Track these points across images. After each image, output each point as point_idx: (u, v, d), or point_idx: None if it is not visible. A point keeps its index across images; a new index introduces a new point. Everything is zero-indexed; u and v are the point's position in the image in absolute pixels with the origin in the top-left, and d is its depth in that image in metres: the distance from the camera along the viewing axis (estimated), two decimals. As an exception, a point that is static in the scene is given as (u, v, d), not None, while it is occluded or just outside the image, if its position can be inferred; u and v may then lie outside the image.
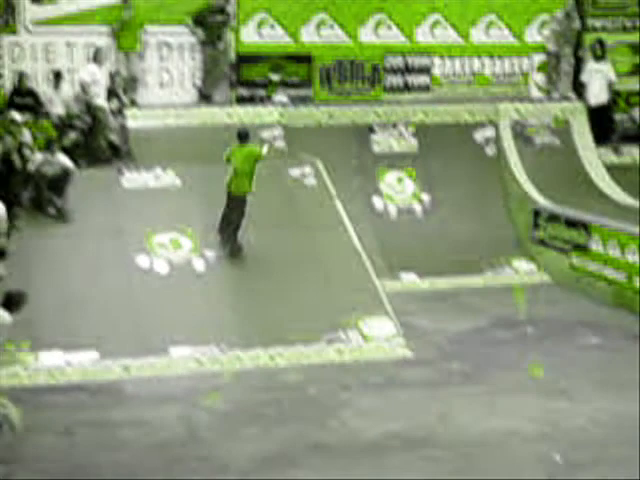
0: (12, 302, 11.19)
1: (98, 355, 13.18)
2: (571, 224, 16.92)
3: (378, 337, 14.09)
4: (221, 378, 13.04)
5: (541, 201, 17.96)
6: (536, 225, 17.79)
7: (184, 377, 13.08)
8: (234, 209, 14.97)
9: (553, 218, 17.41)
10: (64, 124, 16.36)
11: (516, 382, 12.64)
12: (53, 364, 13.04)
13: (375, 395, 12.38)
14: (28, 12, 17.77)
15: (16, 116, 15.40)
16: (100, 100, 16.56)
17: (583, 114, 19.46)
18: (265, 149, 15.46)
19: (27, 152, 15.10)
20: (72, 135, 16.18)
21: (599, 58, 19.73)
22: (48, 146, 15.18)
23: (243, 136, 15.27)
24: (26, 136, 15.38)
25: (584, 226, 16.60)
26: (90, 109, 16.43)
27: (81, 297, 13.87)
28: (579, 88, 19.82)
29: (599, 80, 19.46)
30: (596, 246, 16.27)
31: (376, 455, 10.61)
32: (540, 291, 16.77)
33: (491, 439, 10.94)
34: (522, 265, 17.67)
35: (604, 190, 18.56)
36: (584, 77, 19.63)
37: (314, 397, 12.39)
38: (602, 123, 19.37)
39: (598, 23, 20.34)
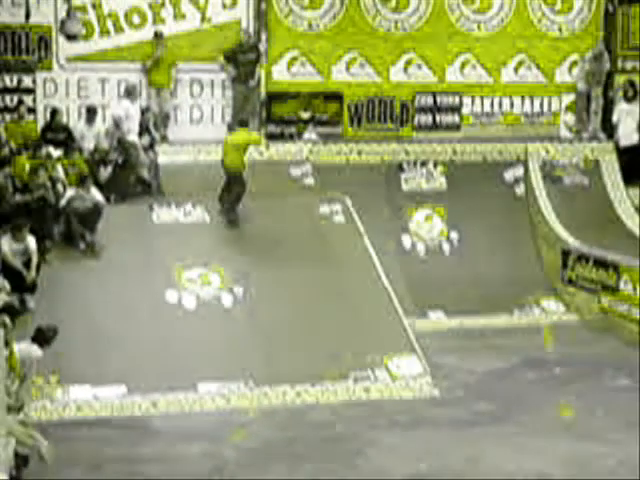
0: (43, 337, 11.26)
1: (126, 390, 13.20)
2: (600, 264, 16.86)
3: (406, 376, 14.04)
4: (248, 415, 13.02)
5: (570, 241, 17.91)
6: (565, 265, 17.72)
7: (211, 413, 13.09)
8: (233, 184, 16.08)
9: (582, 258, 17.35)
10: (97, 159, 16.48)
11: (545, 423, 12.56)
12: (81, 398, 13.06)
13: (403, 434, 12.33)
14: (62, 49, 17.95)
15: (52, 151, 15.56)
16: (133, 136, 16.68)
17: (613, 154, 19.42)
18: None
19: (60, 187, 15.23)
20: (107, 170, 16.31)
21: (630, 99, 19.70)
22: (80, 181, 15.28)
23: (244, 123, 16.72)
24: (59, 171, 15.53)
25: (613, 266, 16.53)
26: (122, 145, 16.55)
27: (110, 331, 13.91)
28: (609, 128, 19.79)
29: (629, 121, 19.44)
30: (625, 287, 16.19)
31: (403, 495, 10.56)
32: (569, 331, 16.68)
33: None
34: (551, 305, 17.59)
35: (633, 230, 18.47)
36: (614, 117, 19.62)
37: (341, 435, 12.35)
38: (632, 163, 19.31)
39: (629, 64, 20.34)
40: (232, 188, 16.07)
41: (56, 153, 15.81)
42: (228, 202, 16.11)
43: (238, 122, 17.47)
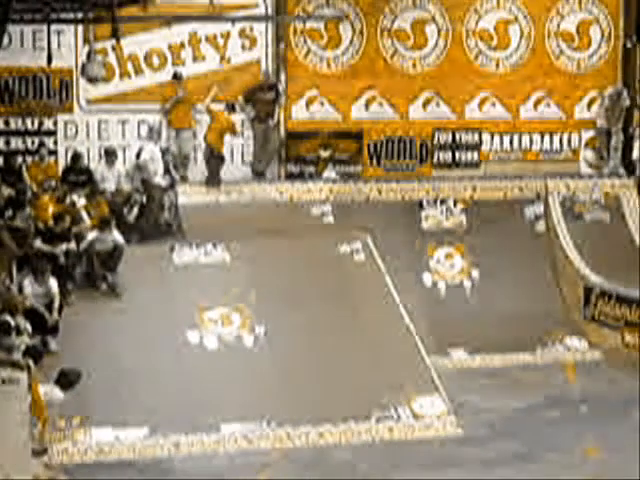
0: (67, 380, 11.27)
1: (148, 431, 13.17)
2: (623, 301, 16.78)
3: (429, 415, 13.96)
4: (271, 456, 12.96)
5: (592, 277, 17.83)
6: (587, 302, 17.64)
7: (234, 454, 13.02)
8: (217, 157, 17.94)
9: (604, 295, 17.27)
10: (120, 202, 16.56)
11: (571, 462, 12.44)
12: (103, 440, 13.03)
13: (426, 474, 12.23)
14: (83, 91, 18.09)
15: (76, 199, 15.66)
16: (157, 178, 16.77)
17: (634, 190, 19.38)
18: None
19: (82, 230, 15.30)
20: (133, 212, 16.40)
21: (649, 134, 19.73)
22: (102, 223, 15.33)
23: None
24: (83, 216, 15.60)
25: (636, 303, 16.44)
26: (146, 187, 16.63)
27: (132, 373, 13.89)
28: (629, 164, 19.76)
29: (650, 157, 19.46)
30: (649, 323, 16.12)
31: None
32: (592, 368, 16.58)
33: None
34: (574, 342, 17.50)
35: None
36: (635, 153, 19.59)
37: (365, 476, 12.28)
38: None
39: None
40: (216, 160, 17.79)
41: (81, 201, 15.88)
42: (214, 171, 17.91)
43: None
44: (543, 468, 12.34)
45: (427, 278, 18.15)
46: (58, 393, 11.09)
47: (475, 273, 18.25)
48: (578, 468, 12.24)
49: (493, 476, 12.08)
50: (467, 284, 18.20)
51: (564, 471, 12.17)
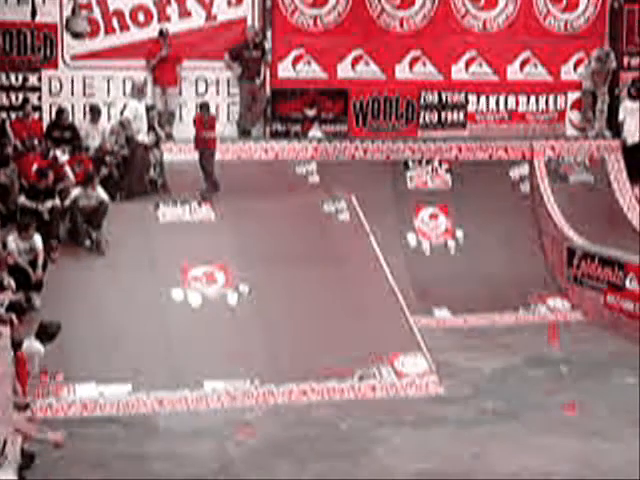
0: (46, 333, 11.28)
1: (132, 387, 13.22)
2: (606, 262, 16.86)
3: (411, 374, 14.04)
4: (254, 413, 13.03)
5: (575, 239, 17.91)
6: (571, 263, 17.73)
7: (217, 411, 13.09)
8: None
9: (587, 256, 17.35)
10: (99, 158, 16.52)
11: (550, 421, 12.55)
12: (87, 396, 13.08)
13: (408, 432, 12.33)
14: (67, 47, 17.97)
15: (59, 155, 15.59)
16: (141, 136, 16.71)
17: (618, 152, 19.42)
18: None
19: (66, 186, 15.26)
20: (103, 171, 16.33)
21: (635, 97, 19.70)
22: (86, 180, 15.29)
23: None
24: (67, 172, 15.56)
25: (619, 264, 16.53)
26: (130, 144, 16.57)
27: (116, 329, 13.92)
28: (615, 126, 19.78)
29: (635, 119, 19.43)
30: (631, 285, 16.18)
31: (409, 493, 10.56)
32: (574, 329, 16.70)
33: (526, 479, 10.85)
34: (556, 303, 17.60)
35: (638, 228, 18.46)
36: (620, 116, 19.62)
37: (346, 433, 12.35)
38: (638, 161, 19.30)
39: (634, 62, 20.32)
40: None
41: (64, 157, 15.80)
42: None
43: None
44: (524, 427, 12.43)
45: (411, 238, 18.19)
46: (39, 346, 11.11)
47: (459, 233, 18.30)
48: (559, 427, 12.34)
49: (475, 434, 12.17)
50: (451, 244, 18.25)
51: (545, 430, 12.27)
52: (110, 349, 13.67)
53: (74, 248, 15.12)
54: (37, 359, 11.15)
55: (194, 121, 17.33)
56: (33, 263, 13.97)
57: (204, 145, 16.93)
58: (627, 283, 16.27)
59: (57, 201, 15.01)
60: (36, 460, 10.23)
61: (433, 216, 18.45)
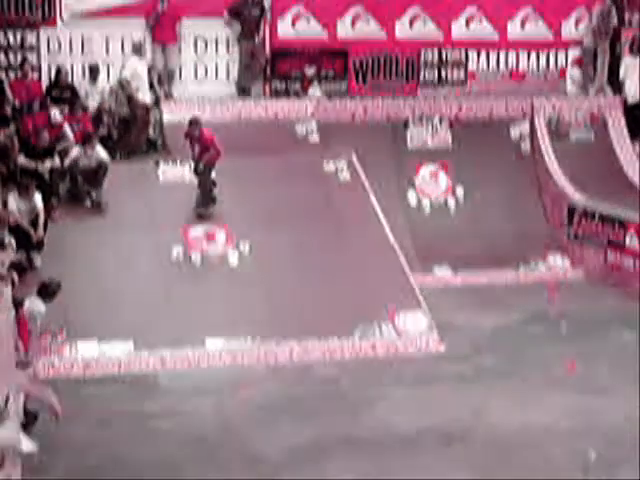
0: (47, 291, 11.31)
1: (133, 346, 13.28)
2: (606, 220, 16.86)
3: (412, 332, 14.10)
4: (255, 371, 13.09)
5: (576, 197, 17.89)
6: (571, 221, 17.73)
7: (218, 369, 13.16)
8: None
9: (588, 214, 17.35)
10: (98, 118, 16.48)
11: (550, 378, 12.61)
12: (88, 355, 13.15)
13: (408, 390, 12.40)
14: (66, 5, 17.85)
15: (57, 116, 15.55)
16: (141, 95, 16.64)
17: (619, 109, 19.34)
18: None
19: (66, 146, 15.23)
20: (102, 131, 16.29)
21: (636, 53, 19.60)
22: (85, 139, 15.26)
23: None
24: (66, 130, 15.52)
25: (619, 222, 16.52)
26: (130, 103, 16.52)
27: (116, 288, 13.97)
28: (616, 83, 19.69)
29: (636, 76, 19.34)
30: (631, 242, 16.20)
31: (409, 450, 10.63)
32: (574, 287, 16.72)
33: (525, 435, 10.93)
34: (556, 261, 17.62)
35: (639, 186, 18.43)
36: (621, 73, 19.52)
37: (347, 391, 12.43)
38: (639, 119, 19.24)
39: (636, 18, 20.18)
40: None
41: (58, 116, 15.72)
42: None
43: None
44: (524, 383, 12.50)
45: (412, 196, 18.17)
46: (40, 305, 11.14)
47: (460, 192, 18.27)
48: (558, 384, 12.40)
49: (475, 391, 12.24)
50: (451, 202, 18.23)
51: (545, 386, 12.34)
52: (111, 308, 13.73)
53: (74, 208, 15.13)
54: (38, 318, 11.18)
55: (185, 135, 15.65)
56: (34, 223, 13.97)
57: (197, 161, 15.48)
58: (627, 240, 16.29)
59: (57, 161, 15.00)
60: (38, 419, 10.27)
61: (433, 174, 18.42)
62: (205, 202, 15.42)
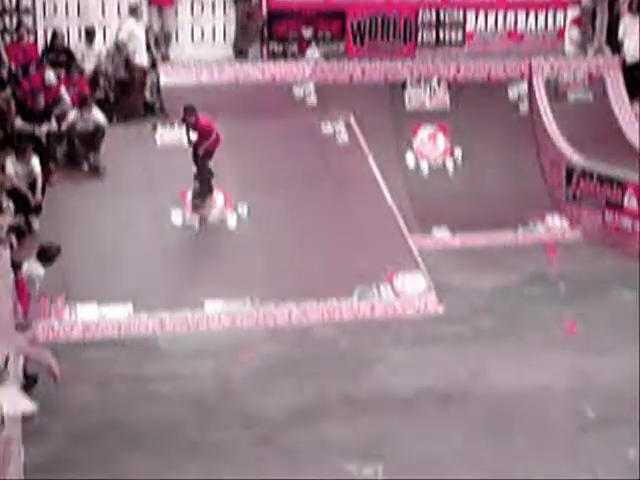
0: (46, 255, 11.31)
1: (132, 309, 13.30)
2: (604, 180, 16.84)
3: (410, 293, 14.12)
4: (254, 333, 13.13)
5: (574, 157, 17.86)
6: (569, 181, 17.71)
7: (218, 332, 13.20)
8: None
9: (586, 174, 17.32)
10: (95, 81, 16.42)
11: (548, 338, 12.65)
12: (88, 318, 13.18)
13: (407, 351, 12.45)
14: (61, -33, 17.76)
15: (51, 78, 15.48)
16: (138, 57, 16.56)
17: (618, 69, 19.26)
18: None
19: (64, 110, 15.18)
20: (98, 94, 16.23)
21: (635, 13, 19.49)
22: (82, 102, 15.22)
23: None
24: (62, 94, 15.46)
25: (617, 182, 16.51)
26: (127, 66, 16.45)
27: (115, 252, 13.99)
28: (614, 43, 19.59)
29: (635, 35, 19.24)
30: (629, 202, 16.19)
31: (408, 409, 10.68)
32: (573, 248, 16.74)
33: (523, 395, 10.98)
34: (555, 222, 17.62)
35: (637, 146, 18.40)
36: (620, 32, 19.42)
37: (346, 352, 12.47)
38: (637, 79, 19.16)
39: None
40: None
41: (52, 79, 15.63)
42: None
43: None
44: (523, 344, 12.54)
45: (410, 158, 18.14)
46: (39, 269, 11.15)
47: (458, 153, 18.24)
48: (557, 345, 12.44)
49: (473, 352, 12.28)
50: (450, 164, 18.20)
51: (543, 347, 12.38)
52: (110, 271, 13.75)
53: (72, 171, 15.12)
54: (37, 281, 11.20)
55: (181, 121, 15.08)
56: (32, 186, 13.97)
57: (194, 149, 14.95)
58: (625, 201, 16.28)
59: (54, 124, 14.97)
60: (38, 381, 10.30)
61: (432, 136, 18.38)
62: (203, 193, 14.95)
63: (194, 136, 14.83)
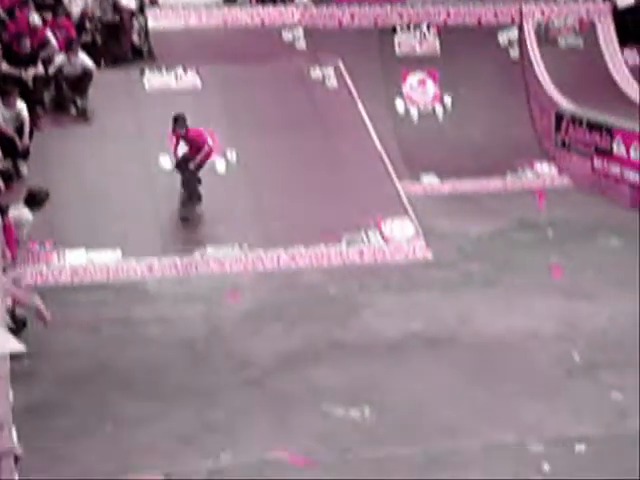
0: (34, 199, 11.28)
1: (121, 254, 13.30)
2: (594, 127, 16.83)
3: (399, 239, 14.13)
4: (242, 278, 13.15)
5: (564, 104, 17.83)
6: (558, 128, 17.69)
7: (206, 277, 13.21)
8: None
9: (575, 121, 17.31)
10: (82, 24, 16.29)
11: (536, 284, 12.69)
12: (76, 263, 13.18)
13: (395, 296, 12.48)
14: None
15: (35, 20, 15.34)
16: (126, 1, 16.42)
17: (609, 15, 19.18)
18: None
19: (50, 54, 15.06)
20: (85, 37, 16.11)
21: (626, -43, 19.41)
22: (68, 45, 15.10)
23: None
24: (49, 37, 15.33)
25: (607, 129, 16.50)
26: (115, 9, 16.32)
27: (104, 197, 13.96)
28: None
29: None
30: (618, 149, 16.19)
31: (396, 353, 10.72)
32: (561, 194, 16.77)
33: (510, 339, 11.02)
34: (544, 168, 17.64)
35: (628, 93, 18.38)
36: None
37: (335, 297, 12.50)
38: (628, 25, 19.08)
39: None
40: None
41: (37, 21, 15.50)
42: None
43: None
44: (510, 289, 12.58)
45: (400, 104, 18.11)
46: (27, 213, 11.12)
47: (448, 99, 18.21)
48: (544, 290, 12.48)
49: (461, 297, 12.32)
50: (439, 110, 18.18)
51: (531, 292, 12.42)
52: (99, 216, 13.74)
53: (60, 116, 15.06)
54: (26, 226, 11.18)
55: (172, 131, 14.14)
56: (19, 131, 13.89)
57: (184, 165, 14.06)
58: (614, 147, 16.28)
59: (40, 68, 14.86)
60: (27, 325, 10.32)
61: (421, 82, 18.33)
62: (191, 202, 14.07)
63: (185, 149, 14.00)
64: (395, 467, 8.34)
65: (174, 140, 14.07)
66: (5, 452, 4.95)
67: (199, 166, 14.00)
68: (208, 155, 14.07)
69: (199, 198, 14.15)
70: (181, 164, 14.04)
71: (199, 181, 14.18)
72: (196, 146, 13.93)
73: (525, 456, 8.47)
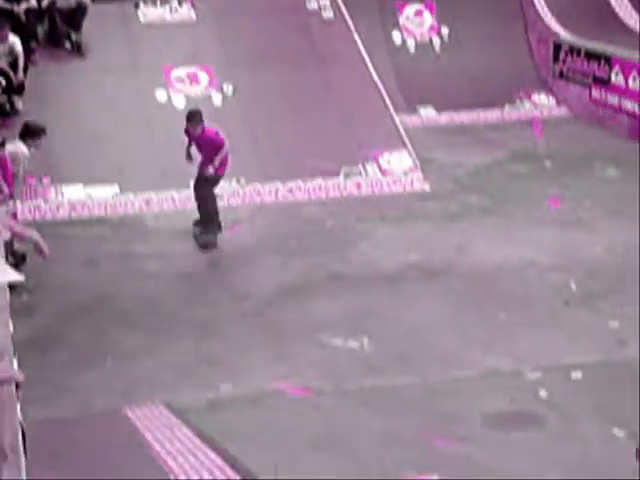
0: (30, 133, 11.23)
1: (119, 189, 13.29)
2: (592, 56, 16.72)
3: (396, 171, 14.11)
4: (240, 211, 13.15)
5: (562, 33, 17.70)
6: (556, 58, 17.57)
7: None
8: None
9: (573, 50, 17.19)
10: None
11: (534, 214, 12.71)
12: (74, 198, 13.17)
13: (393, 227, 12.50)
14: None
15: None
16: None
17: (608, -54, 18.98)
18: None
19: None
20: None
21: None
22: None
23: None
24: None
25: (605, 58, 16.39)
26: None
27: (100, 132, 13.90)
28: None
29: None
30: (616, 78, 16.10)
31: (394, 284, 10.77)
32: (559, 125, 16.72)
33: (508, 269, 11.08)
34: (541, 99, 17.56)
35: (626, 21, 18.25)
36: None
37: (333, 230, 12.52)
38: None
39: None
40: None
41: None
42: None
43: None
44: (508, 220, 12.60)
45: (396, 36, 17.97)
46: (23, 148, 11.08)
47: (445, 30, 18.06)
48: (542, 220, 12.51)
49: (459, 228, 12.35)
50: (436, 41, 18.04)
51: (528, 222, 12.45)
52: (96, 151, 13.70)
53: (54, 51, 14.94)
54: (23, 161, 11.14)
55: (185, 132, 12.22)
56: (13, 66, 13.79)
57: (200, 171, 11.99)
58: (613, 77, 16.19)
59: (33, 1, 14.70)
60: (27, 260, 10.35)
61: (418, 13, 18.17)
62: (212, 228, 12.00)
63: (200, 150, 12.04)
64: (394, 396, 8.42)
65: (187, 139, 12.16)
66: (6, 379, 4.99)
67: (217, 177, 11.94)
68: (225, 162, 11.93)
69: (219, 227, 12.05)
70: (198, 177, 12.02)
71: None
72: (212, 149, 11.77)
73: (522, 383, 8.56)
